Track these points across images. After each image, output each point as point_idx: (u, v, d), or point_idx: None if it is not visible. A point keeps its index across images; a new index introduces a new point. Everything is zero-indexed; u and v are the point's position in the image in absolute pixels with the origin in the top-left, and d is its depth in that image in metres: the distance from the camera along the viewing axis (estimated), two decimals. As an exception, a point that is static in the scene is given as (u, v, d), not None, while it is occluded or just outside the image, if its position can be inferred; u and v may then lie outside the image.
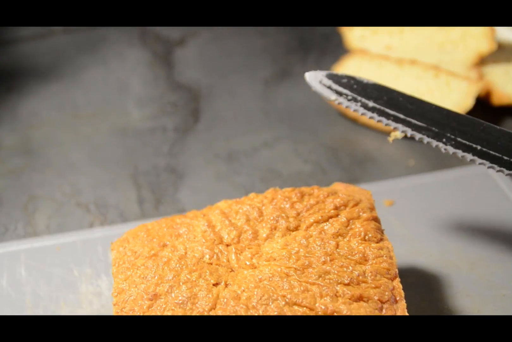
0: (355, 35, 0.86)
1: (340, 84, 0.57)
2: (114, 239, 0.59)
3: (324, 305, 0.48)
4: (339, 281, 0.49)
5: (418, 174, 0.71)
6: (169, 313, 0.49)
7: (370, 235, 0.52)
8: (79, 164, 0.80)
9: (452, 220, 0.65)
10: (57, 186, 0.77)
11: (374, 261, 0.51)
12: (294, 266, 0.50)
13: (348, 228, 0.53)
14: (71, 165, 0.80)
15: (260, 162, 0.78)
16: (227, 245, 0.54)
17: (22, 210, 0.73)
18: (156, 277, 0.52)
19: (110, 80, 0.93)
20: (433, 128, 0.55)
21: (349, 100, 0.57)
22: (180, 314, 0.48)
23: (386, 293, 0.49)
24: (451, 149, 0.55)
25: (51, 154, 0.82)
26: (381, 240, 0.52)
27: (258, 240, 0.54)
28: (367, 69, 0.83)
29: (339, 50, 0.93)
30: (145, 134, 0.84)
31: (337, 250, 0.51)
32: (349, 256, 0.51)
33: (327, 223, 0.53)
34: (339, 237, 0.52)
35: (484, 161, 0.54)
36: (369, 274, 0.50)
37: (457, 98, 0.79)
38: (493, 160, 0.54)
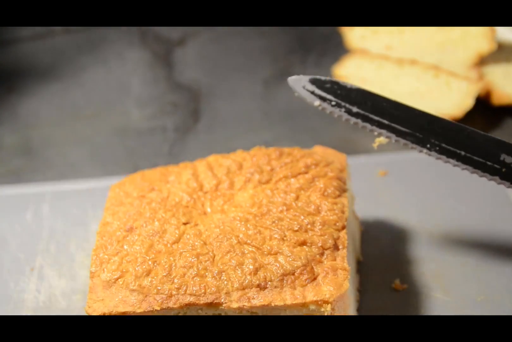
0: (355, 35, 0.86)
1: (324, 90, 0.56)
2: None
3: (270, 246, 0.54)
4: (289, 228, 0.55)
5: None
6: (139, 244, 0.56)
7: (329, 191, 0.57)
8: (79, 164, 0.80)
9: (437, 193, 0.68)
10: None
11: (325, 213, 0.56)
12: (255, 212, 0.57)
13: (312, 184, 0.58)
14: (71, 165, 0.80)
15: (260, 162, 0.78)
16: (205, 192, 0.60)
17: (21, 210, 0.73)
18: (136, 214, 0.59)
19: (110, 80, 0.93)
20: (417, 134, 0.55)
21: (332, 106, 0.57)
22: (147, 244, 0.56)
23: (329, 241, 0.54)
24: (435, 155, 0.55)
25: (51, 154, 0.82)
26: (339, 196, 0.57)
27: (232, 190, 0.60)
28: (367, 69, 0.83)
29: (339, 50, 0.92)
30: (145, 134, 0.84)
31: (296, 201, 0.57)
32: (304, 208, 0.56)
33: (295, 179, 0.59)
34: (301, 191, 0.58)
35: (467, 166, 0.54)
36: (318, 224, 0.55)
37: (457, 98, 0.79)
38: (476, 165, 0.54)
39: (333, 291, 0.50)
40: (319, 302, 0.50)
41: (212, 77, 0.93)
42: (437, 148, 0.55)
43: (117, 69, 0.95)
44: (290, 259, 0.52)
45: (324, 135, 0.81)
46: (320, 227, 0.55)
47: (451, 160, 0.55)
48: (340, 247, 0.54)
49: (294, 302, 0.50)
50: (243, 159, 0.62)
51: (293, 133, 0.82)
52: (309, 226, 0.55)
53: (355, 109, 0.56)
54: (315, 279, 0.51)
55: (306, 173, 0.59)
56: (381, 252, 0.63)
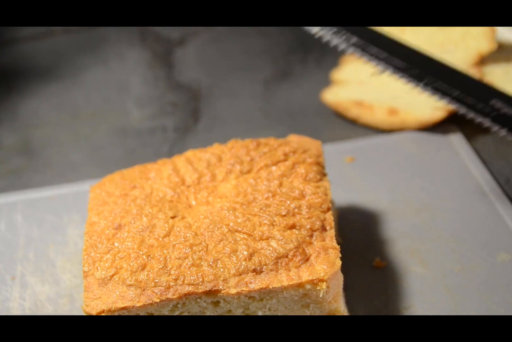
0: None
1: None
2: None
3: (261, 231, 0.55)
4: (277, 213, 0.56)
5: (379, 134, 0.79)
6: (130, 240, 0.56)
7: (311, 176, 0.59)
8: (79, 164, 0.80)
9: (405, 174, 0.71)
10: (57, 186, 0.77)
11: (310, 197, 0.58)
12: (241, 201, 0.58)
13: (293, 170, 0.60)
14: (71, 165, 0.80)
15: (260, 162, 0.78)
16: (188, 186, 0.61)
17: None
18: (122, 212, 0.59)
19: (110, 80, 0.93)
20: (414, 70, 0.58)
21: (332, 33, 0.58)
22: (138, 240, 0.56)
23: (317, 223, 0.55)
24: (429, 91, 0.58)
25: (51, 154, 0.82)
26: (320, 180, 0.59)
27: (215, 182, 0.61)
28: (367, 70, 0.83)
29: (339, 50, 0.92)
30: (145, 134, 0.84)
31: (280, 188, 0.58)
32: (289, 193, 0.58)
33: (275, 167, 0.60)
34: (284, 177, 0.59)
35: (459, 106, 0.58)
36: (304, 207, 0.57)
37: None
38: (468, 106, 0.58)
39: (327, 269, 0.52)
40: (315, 281, 0.52)
41: (212, 77, 0.93)
42: (432, 85, 0.58)
43: (117, 69, 0.96)
44: (282, 242, 0.54)
45: (324, 135, 0.81)
46: (306, 210, 0.56)
47: (443, 99, 0.58)
48: (328, 227, 0.56)
49: (290, 283, 0.52)
50: (222, 152, 0.63)
51: (293, 133, 0.82)
52: (296, 210, 0.56)
53: (354, 39, 0.58)
54: (307, 259, 0.53)
55: (285, 160, 0.61)
56: (358, 233, 0.66)
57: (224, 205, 0.58)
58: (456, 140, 0.74)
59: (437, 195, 0.68)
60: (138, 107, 0.89)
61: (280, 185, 0.59)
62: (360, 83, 0.83)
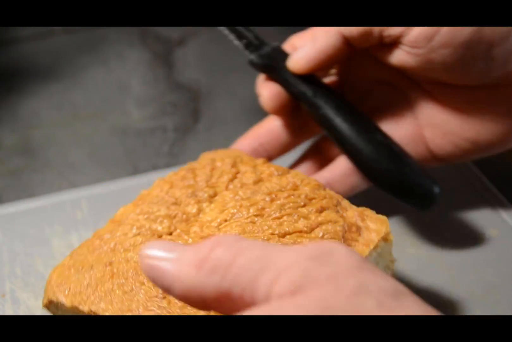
0: None
1: None
2: (82, 200, 0.68)
3: (306, 225, 0.50)
4: (296, 206, 0.51)
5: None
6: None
7: (279, 173, 0.55)
8: (79, 164, 0.80)
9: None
10: (57, 186, 0.77)
11: (302, 185, 0.54)
12: (251, 213, 0.51)
13: (259, 173, 0.56)
14: (71, 165, 0.80)
15: (260, 162, 0.78)
16: (169, 234, 0.52)
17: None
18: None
19: (110, 80, 0.93)
20: None
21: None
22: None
23: (333, 199, 0.53)
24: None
25: (51, 154, 0.82)
26: (288, 172, 0.56)
27: (193, 217, 0.52)
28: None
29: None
30: (145, 134, 0.84)
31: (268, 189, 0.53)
32: (282, 189, 0.53)
33: (237, 179, 0.55)
34: (259, 182, 0.55)
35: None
36: (307, 194, 0.53)
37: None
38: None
39: (383, 222, 0.51)
40: (384, 237, 0.51)
41: (212, 77, 0.93)
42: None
43: (117, 69, 0.96)
44: (330, 225, 0.50)
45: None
46: (312, 194, 0.53)
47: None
48: (342, 202, 0.53)
49: (370, 248, 0.50)
50: (166, 192, 0.55)
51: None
52: (306, 198, 0.53)
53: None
54: (360, 228, 0.51)
55: (237, 172, 0.56)
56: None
57: (241, 224, 0.50)
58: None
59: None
60: (138, 107, 0.89)
61: (262, 187, 0.54)
62: None
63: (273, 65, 0.65)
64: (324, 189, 0.54)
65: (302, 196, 0.53)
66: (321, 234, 0.50)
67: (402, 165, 0.57)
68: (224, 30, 0.69)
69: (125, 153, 0.81)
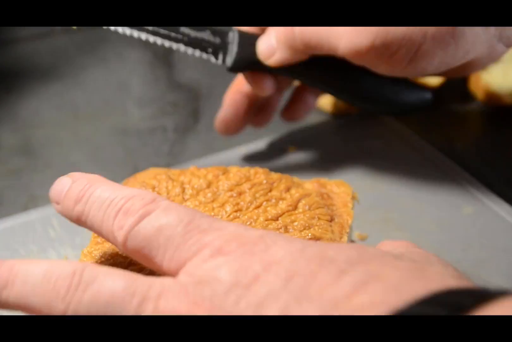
0: None
1: None
2: (52, 218, 0.66)
3: (288, 204, 0.51)
4: (265, 192, 0.52)
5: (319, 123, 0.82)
6: None
7: (221, 172, 0.55)
8: (79, 164, 0.80)
9: (350, 158, 0.74)
10: (57, 186, 0.77)
11: (254, 175, 0.54)
12: (230, 211, 0.51)
13: (202, 177, 0.54)
14: (71, 165, 0.80)
15: (260, 162, 0.78)
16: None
17: (22, 210, 0.73)
18: None
19: (110, 80, 0.93)
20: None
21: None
22: None
23: (287, 178, 0.54)
24: (128, 31, 0.72)
25: (51, 154, 0.82)
26: (227, 169, 0.55)
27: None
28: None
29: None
30: (145, 134, 0.84)
31: (249, 193, 0.52)
32: (239, 183, 0.53)
33: (187, 188, 0.53)
34: (211, 184, 0.53)
35: (158, 39, 0.68)
36: (265, 180, 0.53)
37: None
38: (170, 38, 0.68)
39: (342, 183, 0.55)
40: (353, 196, 0.54)
41: (212, 77, 0.93)
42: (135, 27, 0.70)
43: (117, 69, 0.96)
44: (307, 198, 0.51)
45: (324, 133, 0.81)
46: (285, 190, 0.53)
47: (143, 36, 0.71)
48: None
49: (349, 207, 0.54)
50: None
51: (293, 133, 0.82)
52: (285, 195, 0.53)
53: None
54: (328, 194, 0.54)
55: (218, 180, 0.54)
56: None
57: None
58: (386, 119, 0.80)
59: (391, 169, 0.72)
60: (138, 107, 0.89)
61: (246, 193, 0.53)
62: None
63: (253, 61, 0.67)
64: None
65: (264, 183, 0.53)
66: (307, 207, 0.51)
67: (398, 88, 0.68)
68: (188, 50, 0.68)
69: (125, 153, 0.81)
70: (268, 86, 0.68)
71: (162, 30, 0.67)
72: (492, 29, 0.58)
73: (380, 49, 0.57)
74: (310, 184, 0.55)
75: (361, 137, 0.77)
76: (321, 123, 0.81)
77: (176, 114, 0.87)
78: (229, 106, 0.74)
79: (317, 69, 0.67)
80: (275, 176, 0.55)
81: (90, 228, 0.43)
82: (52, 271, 0.38)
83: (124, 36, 1.02)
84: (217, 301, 0.35)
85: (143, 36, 0.69)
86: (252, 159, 0.77)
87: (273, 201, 0.52)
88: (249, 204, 0.51)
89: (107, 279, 0.38)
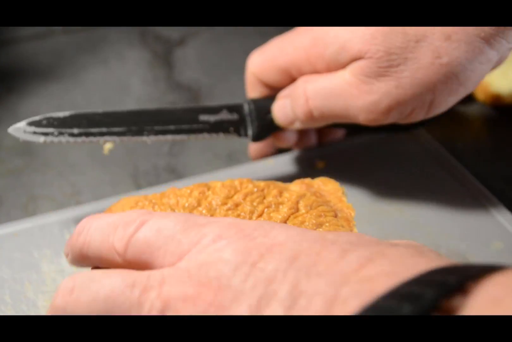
0: None
1: (42, 126, 0.64)
2: (69, 222, 0.65)
3: (289, 207, 0.51)
4: (261, 200, 0.51)
5: (348, 138, 0.77)
6: None
7: (204, 187, 0.54)
8: (79, 164, 0.80)
9: (381, 175, 0.71)
10: (57, 186, 0.77)
11: (240, 185, 0.53)
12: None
13: (187, 196, 0.52)
14: (71, 165, 0.80)
15: (260, 162, 0.78)
16: None
17: (22, 210, 0.73)
18: None
19: (110, 80, 0.93)
20: (133, 128, 0.64)
21: (57, 136, 0.64)
22: None
23: (274, 183, 0.54)
24: (153, 138, 0.64)
25: (51, 154, 0.82)
26: (208, 185, 0.54)
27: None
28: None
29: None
30: (145, 134, 0.84)
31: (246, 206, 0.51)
32: (229, 196, 0.52)
33: (178, 207, 0.52)
34: (201, 201, 0.52)
35: (182, 136, 0.66)
36: (255, 188, 0.53)
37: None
38: (187, 132, 0.65)
39: (329, 181, 0.55)
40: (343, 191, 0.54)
41: (212, 77, 0.93)
42: (153, 132, 0.64)
43: (117, 69, 0.96)
44: (304, 199, 0.51)
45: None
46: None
47: (168, 136, 0.65)
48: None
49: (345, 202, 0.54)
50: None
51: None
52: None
53: (75, 130, 0.64)
54: (320, 193, 0.54)
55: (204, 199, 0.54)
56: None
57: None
58: (422, 136, 0.76)
59: (417, 193, 0.69)
60: (138, 107, 0.89)
61: (240, 205, 0.52)
62: None
63: (274, 127, 0.67)
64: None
65: (255, 191, 0.52)
66: (308, 207, 0.51)
67: None
68: (212, 136, 0.67)
69: (125, 153, 0.81)
70: (290, 139, 0.70)
71: (184, 126, 0.65)
72: (492, 54, 0.57)
73: (396, 116, 0.59)
74: (296, 185, 0.55)
75: (394, 155, 0.74)
76: (355, 137, 0.77)
77: (176, 114, 0.87)
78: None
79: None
80: (260, 183, 0.54)
81: (92, 258, 0.43)
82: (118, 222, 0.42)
83: (124, 36, 1.02)
84: (224, 280, 0.35)
85: (169, 137, 0.65)
86: (274, 172, 0.72)
87: (273, 206, 0.51)
88: (250, 214, 0.50)
89: (103, 277, 0.38)
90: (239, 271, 0.35)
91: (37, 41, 1.01)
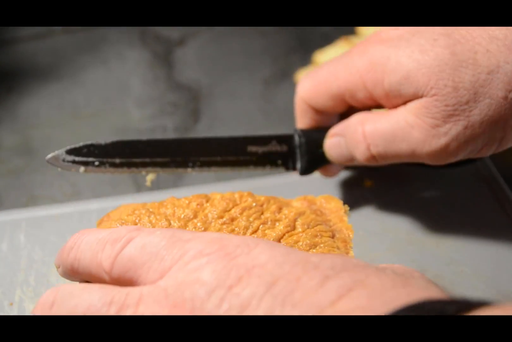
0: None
1: (82, 155, 0.59)
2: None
3: (285, 225, 0.49)
4: (258, 215, 0.50)
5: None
6: None
7: (202, 199, 0.53)
8: (79, 164, 0.80)
9: (426, 202, 0.67)
10: (57, 186, 0.77)
11: (239, 198, 0.52)
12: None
13: (183, 208, 0.52)
14: (71, 165, 0.80)
15: (260, 162, 0.78)
16: None
17: (22, 210, 0.73)
18: None
19: (110, 80, 0.93)
20: (177, 159, 0.60)
21: (98, 166, 0.59)
22: None
23: (274, 198, 0.52)
24: (198, 170, 0.60)
25: (51, 154, 0.82)
26: (208, 196, 0.53)
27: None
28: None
29: (339, 50, 0.92)
30: (145, 134, 0.84)
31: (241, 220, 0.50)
32: (227, 209, 0.51)
33: (173, 219, 0.51)
34: (196, 213, 0.51)
35: (227, 168, 0.61)
36: (254, 203, 0.52)
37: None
38: (233, 164, 0.61)
39: (332, 198, 0.53)
40: (345, 210, 0.52)
41: (212, 77, 0.93)
42: (198, 164, 0.59)
43: (117, 69, 0.96)
44: (303, 217, 0.50)
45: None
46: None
47: (213, 168, 0.60)
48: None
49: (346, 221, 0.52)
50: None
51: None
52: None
53: (117, 160, 0.59)
54: (321, 210, 0.52)
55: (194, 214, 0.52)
56: (376, 263, 0.61)
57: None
58: (482, 164, 0.70)
59: (460, 225, 0.64)
60: (138, 107, 0.89)
61: (235, 219, 0.51)
62: None
63: (323, 161, 0.63)
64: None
65: (253, 206, 0.51)
66: (306, 226, 0.49)
67: None
68: (258, 169, 0.62)
69: (125, 153, 0.81)
70: (336, 171, 0.66)
71: (230, 157, 0.61)
72: None
73: (466, 155, 0.54)
74: (298, 201, 0.53)
75: (446, 180, 0.69)
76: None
77: (176, 114, 0.87)
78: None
79: None
80: (261, 197, 0.53)
81: (82, 274, 0.43)
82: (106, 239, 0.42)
83: (124, 36, 1.02)
84: (198, 302, 0.34)
85: (214, 169, 0.61)
86: (321, 187, 0.69)
87: (269, 223, 0.50)
88: (245, 229, 0.49)
89: (83, 293, 0.38)
90: (214, 295, 0.34)
91: (37, 41, 1.01)
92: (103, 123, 0.86)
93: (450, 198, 0.67)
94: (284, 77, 0.91)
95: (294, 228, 0.50)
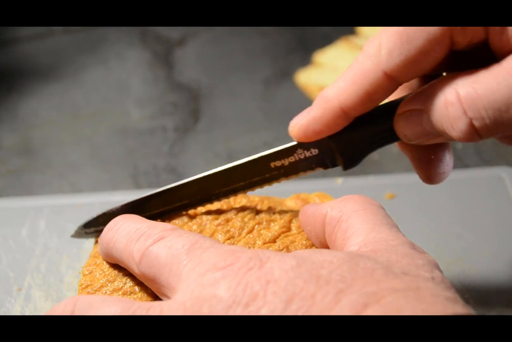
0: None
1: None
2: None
3: (280, 226, 0.49)
4: (253, 216, 0.50)
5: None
6: None
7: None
8: (79, 164, 0.80)
9: (447, 218, 0.64)
10: (57, 186, 0.77)
11: (233, 200, 0.52)
12: (222, 239, 0.49)
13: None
14: (71, 165, 0.80)
15: (260, 162, 0.78)
16: None
17: (22, 210, 0.73)
18: None
19: (110, 80, 0.93)
20: (196, 199, 0.53)
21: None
22: None
23: (268, 198, 0.53)
24: (224, 198, 0.53)
25: (51, 154, 0.82)
26: (248, 197, 0.53)
27: None
28: (348, 57, 0.84)
29: (339, 50, 0.92)
30: (145, 134, 0.84)
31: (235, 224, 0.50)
32: (222, 210, 0.51)
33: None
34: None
35: (252, 188, 0.53)
36: (248, 203, 0.52)
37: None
38: (255, 184, 0.53)
39: (325, 195, 0.53)
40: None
41: (212, 77, 0.93)
42: (221, 194, 0.53)
43: (117, 69, 0.96)
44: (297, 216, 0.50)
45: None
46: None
47: (239, 193, 0.53)
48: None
49: None
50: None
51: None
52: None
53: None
54: None
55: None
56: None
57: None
58: (505, 172, 0.68)
59: (474, 248, 0.61)
60: (138, 107, 0.89)
61: (230, 220, 0.51)
62: (334, 69, 0.84)
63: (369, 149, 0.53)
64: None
65: (248, 206, 0.51)
66: (301, 229, 0.49)
67: None
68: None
69: (125, 153, 0.81)
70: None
71: (255, 178, 0.55)
72: None
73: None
74: (292, 200, 0.54)
75: (467, 197, 0.67)
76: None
77: (176, 114, 0.87)
78: None
79: None
80: (255, 197, 0.53)
81: (115, 256, 0.45)
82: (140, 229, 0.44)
83: (124, 36, 1.02)
84: None
85: (241, 193, 0.54)
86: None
87: (264, 223, 0.50)
88: (240, 230, 0.49)
89: (103, 306, 0.38)
90: (232, 311, 0.35)
91: (37, 41, 1.02)
92: (103, 123, 0.86)
93: (473, 215, 0.64)
94: (284, 77, 0.91)
95: (289, 229, 0.50)
